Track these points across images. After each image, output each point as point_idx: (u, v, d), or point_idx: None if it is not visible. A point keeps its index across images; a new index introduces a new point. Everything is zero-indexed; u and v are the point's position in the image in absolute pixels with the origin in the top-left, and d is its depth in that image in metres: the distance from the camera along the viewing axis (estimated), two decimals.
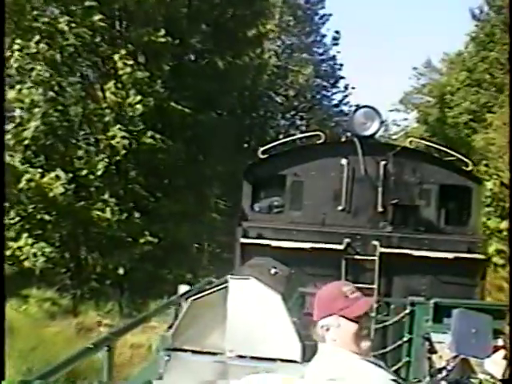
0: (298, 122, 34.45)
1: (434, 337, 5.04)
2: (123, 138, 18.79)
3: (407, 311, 7.99)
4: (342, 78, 35.16)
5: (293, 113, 33.92)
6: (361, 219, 9.94)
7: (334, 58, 34.92)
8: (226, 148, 22.58)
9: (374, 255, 9.46)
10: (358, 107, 10.75)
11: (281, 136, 31.90)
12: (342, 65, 35.08)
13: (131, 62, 19.31)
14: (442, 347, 4.76)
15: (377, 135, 10.42)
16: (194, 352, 5.08)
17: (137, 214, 19.46)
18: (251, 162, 10.92)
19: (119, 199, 19.46)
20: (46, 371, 4.62)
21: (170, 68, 21.29)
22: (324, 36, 35.27)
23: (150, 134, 19.39)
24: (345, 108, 35.21)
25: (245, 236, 9.85)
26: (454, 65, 30.72)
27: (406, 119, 38.66)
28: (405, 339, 8.17)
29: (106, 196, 19.14)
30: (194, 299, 5.21)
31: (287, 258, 8.75)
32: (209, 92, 21.29)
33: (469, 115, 26.84)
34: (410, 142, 10.78)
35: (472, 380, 3.63)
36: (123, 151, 18.88)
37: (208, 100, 21.50)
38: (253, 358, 4.97)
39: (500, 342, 4.56)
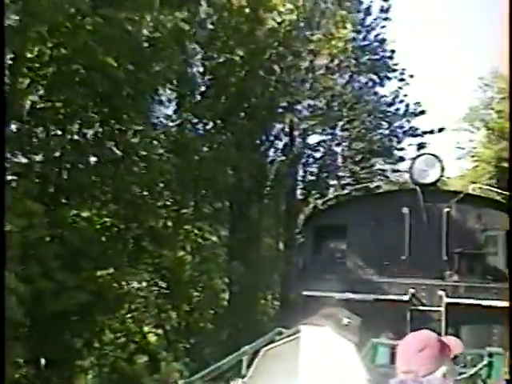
0: (339, 134, 22.94)
1: None
2: None
3: (485, 362, 7.68)
4: (394, 70, 23.65)
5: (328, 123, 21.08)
6: (425, 268, 9.76)
7: (382, 41, 23.48)
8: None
9: (439, 306, 9.26)
10: (418, 155, 10.75)
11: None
12: (393, 51, 23.53)
13: None
14: None
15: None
16: None
17: None
18: (310, 213, 10.96)
19: None
20: None
21: None
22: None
23: None
24: (400, 106, 23.69)
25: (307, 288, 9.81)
26: None
27: (471, 141, 29.82)
28: None
29: None
30: (267, 350, 5.17)
31: (350, 309, 8.68)
32: None
33: None
34: (473, 188, 10.66)
35: None
36: None
37: None
38: None
39: None
